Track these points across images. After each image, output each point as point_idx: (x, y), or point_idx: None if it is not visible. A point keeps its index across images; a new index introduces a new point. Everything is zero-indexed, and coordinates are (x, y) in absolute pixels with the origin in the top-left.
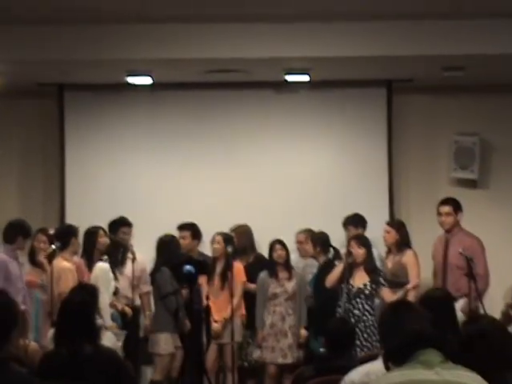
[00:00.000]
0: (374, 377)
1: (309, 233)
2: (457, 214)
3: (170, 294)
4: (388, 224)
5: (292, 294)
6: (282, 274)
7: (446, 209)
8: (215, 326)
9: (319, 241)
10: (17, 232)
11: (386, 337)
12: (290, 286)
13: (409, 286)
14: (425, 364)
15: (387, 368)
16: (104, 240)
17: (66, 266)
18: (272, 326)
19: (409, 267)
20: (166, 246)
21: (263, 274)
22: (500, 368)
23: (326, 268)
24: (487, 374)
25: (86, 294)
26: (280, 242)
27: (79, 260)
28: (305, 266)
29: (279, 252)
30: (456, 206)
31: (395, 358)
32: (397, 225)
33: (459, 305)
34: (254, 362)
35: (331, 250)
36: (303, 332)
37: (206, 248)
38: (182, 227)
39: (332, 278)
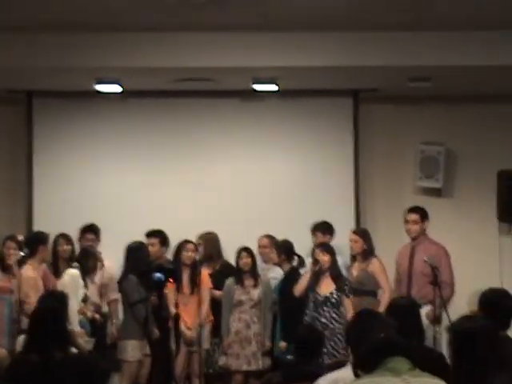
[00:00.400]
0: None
1: (271, 238)
2: (423, 222)
3: (138, 302)
4: (355, 232)
5: (257, 302)
6: (248, 282)
7: (414, 217)
8: (188, 332)
9: (283, 248)
10: None
11: (354, 344)
12: (256, 293)
13: (384, 295)
14: (393, 371)
15: (356, 375)
16: (65, 248)
17: (29, 274)
18: (237, 333)
19: (377, 275)
20: (134, 253)
21: (229, 281)
22: (490, 368)
23: (290, 276)
24: (478, 374)
25: (55, 301)
26: (246, 249)
27: (44, 267)
28: (267, 272)
29: (245, 260)
30: (423, 214)
31: (364, 365)
32: (363, 233)
33: (424, 311)
34: (219, 369)
35: (295, 257)
36: (268, 340)
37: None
38: (151, 234)
39: (300, 287)
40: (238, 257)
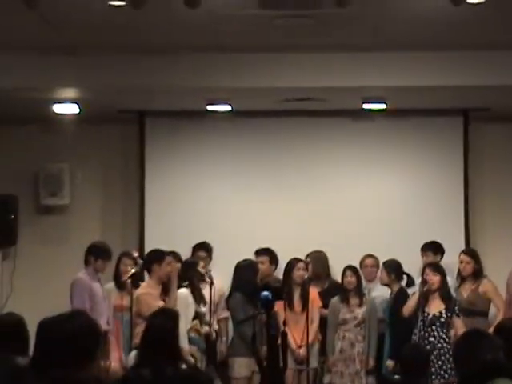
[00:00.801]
0: None
1: (374, 258)
2: None
3: (244, 320)
4: (465, 253)
5: (362, 321)
6: (353, 300)
7: None
8: (300, 351)
9: (393, 268)
10: (93, 254)
11: (460, 365)
12: (360, 312)
13: (499, 314)
14: None
15: None
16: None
17: (142, 291)
18: (342, 351)
19: (491, 295)
20: (240, 272)
21: (334, 300)
22: None
23: (400, 295)
24: None
25: (167, 318)
26: (352, 268)
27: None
28: (371, 291)
29: (350, 278)
30: None
31: None
32: (474, 254)
33: None
34: None
35: (404, 276)
36: (372, 359)
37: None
38: (260, 252)
39: (409, 307)
40: (343, 275)
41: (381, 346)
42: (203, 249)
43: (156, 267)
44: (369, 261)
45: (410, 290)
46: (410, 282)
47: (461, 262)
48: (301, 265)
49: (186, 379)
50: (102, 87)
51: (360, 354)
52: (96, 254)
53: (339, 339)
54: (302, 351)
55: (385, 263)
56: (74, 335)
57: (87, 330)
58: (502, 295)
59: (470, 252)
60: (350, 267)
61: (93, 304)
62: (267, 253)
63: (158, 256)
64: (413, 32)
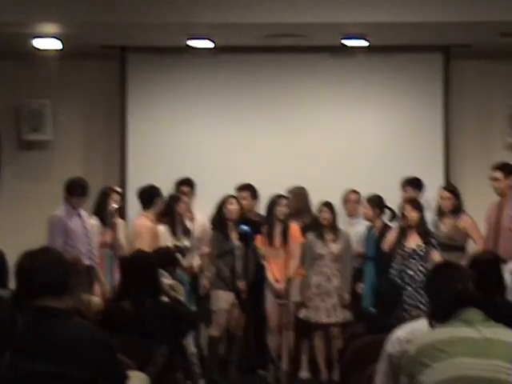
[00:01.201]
0: (418, 334)
1: (358, 193)
2: (507, 178)
3: (221, 255)
4: (445, 189)
5: (337, 256)
6: (328, 236)
7: (496, 174)
8: (278, 286)
9: (375, 202)
10: (68, 191)
11: (431, 296)
12: (336, 247)
13: (478, 248)
14: (466, 322)
15: (431, 326)
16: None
17: (147, 224)
18: (318, 286)
19: (470, 231)
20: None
21: (309, 236)
22: None
23: (384, 231)
24: None
25: (146, 252)
26: (327, 204)
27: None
28: (355, 225)
29: (325, 214)
30: (507, 170)
31: (439, 316)
32: (454, 190)
33: (509, 267)
34: (300, 322)
35: (387, 211)
36: (346, 294)
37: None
38: (242, 188)
39: (388, 242)
40: (319, 211)
41: (358, 281)
42: (186, 184)
43: (158, 200)
44: (352, 196)
45: (392, 224)
46: (393, 216)
47: (441, 198)
48: (283, 201)
49: (165, 311)
50: (84, 22)
51: (337, 289)
52: (71, 190)
53: (315, 274)
54: (280, 286)
55: (368, 198)
56: (43, 268)
57: (56, 262)
58: (481, 230)
59: (450, 188)
60: (325, 203)
61: (69, 240)
62: (248, 188)
63: (158, 190)
64: None
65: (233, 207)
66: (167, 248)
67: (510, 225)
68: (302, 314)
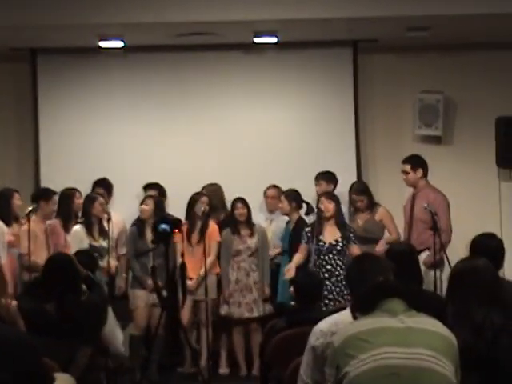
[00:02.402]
0: (341, 326)
1: (277, 188)
2: (416, 171)
3: (142, 253)
4: (355, 193)
5: (255, 250)
6: (244, 231)
7: (405, 167)
8: (190, 283)
9: (292, 197)
10: None
11: (353, 288)
12: (253, 242)
13: (392, 238)
14: (389, 312)
15: (354, 318)
16: (79, 202)
17: (32, 229)
18: (237, 281)
19: (387, 222)
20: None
21: (225, 232)
22: (485, 304)
23: (299, 225)
24: (472, 308)
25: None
26: (241, 199)
27: (54, 221)
28: (275, 221)
29: (240, 210)
30: (415, 163)
31: (361, 307)
32: (364, 190)
33: (422, 258)
34: (221, 318)
35: (304, 205)
36: (267, 288)
37: (178, 208)
38: (149, 186)
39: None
40: (234, 207)
41: (275, 274)
42: (102, 186)
43: (43, 204)
44: (271, 191)
45: (309, 218)
46: (310, 210)
47: (353, 201)
48: (204, 199)
49: (88, 310)
50: None
51: (257, 283)
52: None
53: (234, 270)
54: (191, 283)
55: (285, 193)
56: None
57: None
58: (396, 222)
59: (360, 189)
60: (239, 199)
61: None
62: (156, 187)
63: (45, 194)
64: None
65: (146, 207)
66: (87, 250)
67: (422, 216)
68: (224, 310)
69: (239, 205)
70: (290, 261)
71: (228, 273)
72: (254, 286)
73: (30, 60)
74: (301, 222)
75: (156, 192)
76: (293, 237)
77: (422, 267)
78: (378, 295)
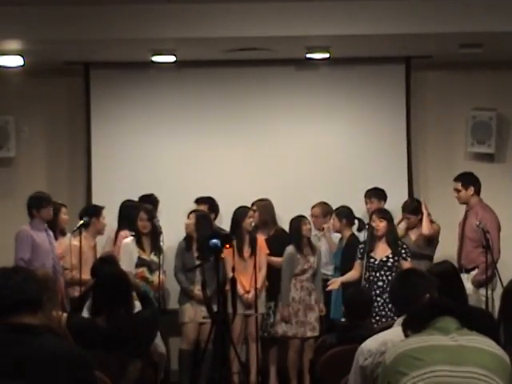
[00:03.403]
0: (390, 345)
1: (323, 206)
2: (467, 188)
3: (192, 268)
4: (408, 210)
5: (316, 270)
6: (306, 250)
7: (456, 185)
8: (247, 296)
9: (343, 214)
10: (34, 206)
11: (400, 304)
12: (314, 261)
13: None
14: (441, 330)
15: (406, 335)
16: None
17: (74, 243)
18: (301, 301)
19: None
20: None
21: (290, 249)
22: None
23: (351, 242)
24: None
25: (113, 265)
26: (306, 217)
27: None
28: (325, 238)
29: (308, 226)
30: (466, 180)
31: (414, 325)
32: (416, 208)
33: (471, 276)
34: (279, 337)
35: (356, 221)
36: (323, 306)
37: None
38: (200, 201)
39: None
40: (300, 223)
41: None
42: (149, 202)
43: (95, 221)
44: (314, 210)
45: (361, 234)
46: (362, 226)
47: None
48: (250, 213)
49: (139, 325)
50: (47, 39)
51: (318, 302)
52: (37, 204)
53: (297, 289)
54: (250, 296)
55: (335, 210)
56: (17, 285)
57: (30, 279)
58: (444, 240)
59: (412, 207)
60: (304, 216)
61: (36, 255)
62: (207, 201)
63: (96, 211)
64: None
65: (189, 222)
66: (111, 256)
67: (471, 234)
68: (282, 329)
69: (307, 221)
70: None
71: (290, 291)
72: (316, 305)
73: (84, 74)
74: (353, 239)
75: (206, 206)
76: (345, 254)
77: (471, 286)
78: (431, 313)
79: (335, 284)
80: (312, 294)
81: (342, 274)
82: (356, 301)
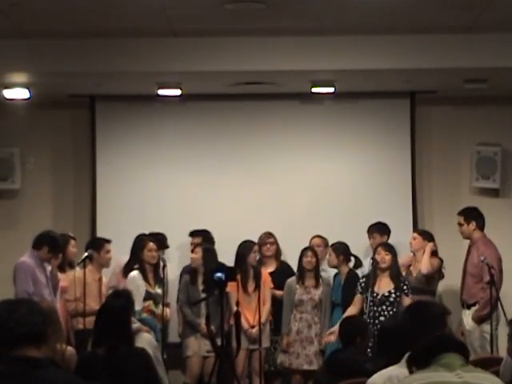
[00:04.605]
0: (396, 380)
1: (323, 239)
2: (469, 223)
3: (198, 302)
4: (415, 231)
5: (318, 302)
6: (309, 282)
7: (459, 219)
8: (252, 330)
9: (340, 250)
10: (49, 246)
11: (410, 341)
12: (317, 293)
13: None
14: (446, 367)
15: (411, 371)
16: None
17: (79, 276)
18: (298, 332)
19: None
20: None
21: (290, 280)
22: None
23: (350, 278)
24: None
25: (122, 300)
26: (311, 249)
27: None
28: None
29: (310, 259)
30: (468, 215)
31: (418, 361)
32: (424, 233)
33: (471, 312)
34: (279, 366)
35: (352, 258)
36: (325, 339)
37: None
38: (195, 233)
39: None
40: (302, 255)
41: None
42: (158, 239)
43: (95, 254)
44: (316, 240)
45: (358, 272)
46: (358, 264)
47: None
48: (255, 247)
49: (139, 356)
50: (53, 72)
51: (318, 336)
52: (52, 247)
53: (296, 320)
54: (255, 331)
55: (332, 246)
56: (22, 318)
57: (35, 311)
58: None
59: (419, 230)
60: (309, 248)
61: (36, 288)
62: (202, 234)
63: (97, 244)
64: (360, 16)
65: (196, 256)
66: (126, 291)
67: (472, 270)
68: (281, 359)
69: (309, 253)
70: (343, 313)
71: (289, 321)
72: (315, 339)
73: (89, 106)
74: (352, 274)
75: (200, 239)
76: (345, 289)
77: (471, 322)
78: (436, 349)
79: (331, 336)
80: (312, 326)
81: (344, 310)
82: (347, 327)
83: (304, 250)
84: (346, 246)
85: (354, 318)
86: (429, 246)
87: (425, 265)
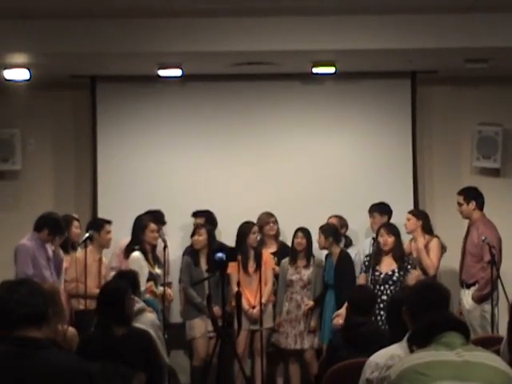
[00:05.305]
0: (397, 359)
1: (340, 218)
2: (468, 202)
3: (198, 282)
4: (409, 212)
5: (307, 282)
6: (301, 262)
7: (458, 198)
8: (254, 311)
9: (330, 232)
10: (50, 228)
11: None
12: (307, 273)
13: (416, 273)
14: (447, 345)
15: (411, 350)
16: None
17: (80, 257)
18: (288, 312)
19: (431, 251)
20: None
21: (284, 261)
22: None
23: (342, 258)
24: None
25: (122, 281)
26: (303, 230)
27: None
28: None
29: (300, 240)
30: (468, 195)
31: (419, 340)
32: (418, 213)
33: (471, 291)
34: (270, 347)
35: (342, 238)
36: (314, 320)
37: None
38: (197, 214)
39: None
40: (294, 236)
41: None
42: (155, 217)
43: (96, 235)
44: (332, 220)
45: (350, 251)
46: (348, 243)
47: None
48: (255, 228)
49: (135, 338)
50: (53, 52)
51: (304, 315)
52: (52, 229)
53: (287, 300)
54: (256, 311)
55: (321, 228)
56: (23, 298)
57: (36, 292)
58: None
59: (413, 211)
60: (301, 229)
61: (36, 270)
62: (204, 214)
63: (97, 224)
64: None
65: (201, 238)
66: (132, 272)
67: (472, 249)
68: (274, 338)
69: (299, 234)
70: (336, 294)
71: (282, 302)
72: (303, 319)
73: (90, 87)
74: (344, 254)
75: (203, 219)
76: (337, 269)
77: (471, 301)
78: (436, 328)
79: (339, 319)
80: (301, 307)
81: (337, 292)
82: (359, 296)
83: (296, 231)
84: (335, 227)
85: (366, 286)
86: (435, 242)
87: (432, 267)
